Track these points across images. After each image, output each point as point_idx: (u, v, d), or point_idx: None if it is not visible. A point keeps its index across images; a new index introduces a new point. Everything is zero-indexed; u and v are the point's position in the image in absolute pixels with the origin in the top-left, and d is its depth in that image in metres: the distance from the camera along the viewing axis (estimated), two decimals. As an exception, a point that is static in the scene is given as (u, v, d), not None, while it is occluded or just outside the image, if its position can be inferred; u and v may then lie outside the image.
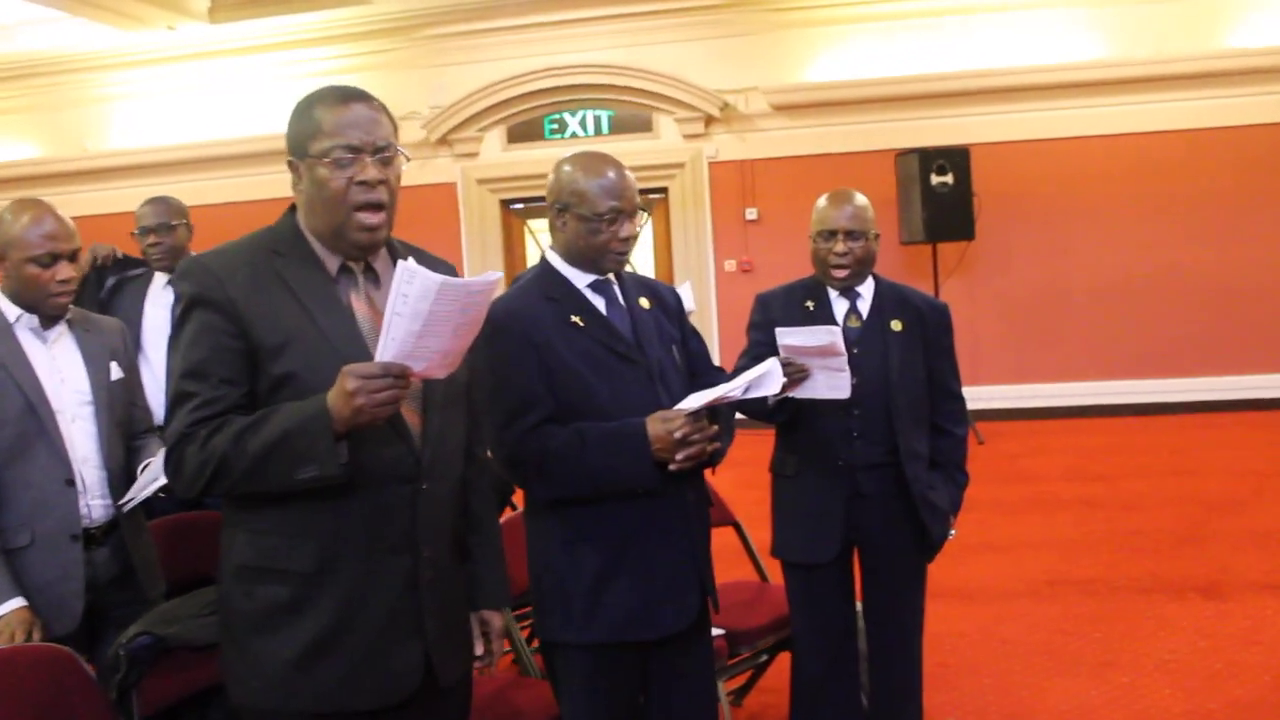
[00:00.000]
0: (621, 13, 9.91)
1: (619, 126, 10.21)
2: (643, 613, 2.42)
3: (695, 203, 10.09)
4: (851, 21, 9.64)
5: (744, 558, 3.93)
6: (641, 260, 10.41)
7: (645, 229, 10.36)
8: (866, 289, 3.14)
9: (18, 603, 2.57)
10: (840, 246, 3.04)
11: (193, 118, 10.67)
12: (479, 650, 2.24)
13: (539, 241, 10.75)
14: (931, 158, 8.80)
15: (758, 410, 2.98)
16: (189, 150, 10.55)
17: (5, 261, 2.71)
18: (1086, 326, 9.52)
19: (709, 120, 9.91)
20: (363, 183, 1.97)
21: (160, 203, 4.20)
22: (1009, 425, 9.15)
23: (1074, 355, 9.55)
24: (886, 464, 3.03)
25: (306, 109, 2.01)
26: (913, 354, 3.09)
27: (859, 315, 3.11)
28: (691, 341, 2.66)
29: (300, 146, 2.00)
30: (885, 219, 9.08)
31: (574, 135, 10.29)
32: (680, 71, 9.80)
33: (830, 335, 2.79)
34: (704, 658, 2.62)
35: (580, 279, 2.51)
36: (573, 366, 2.41)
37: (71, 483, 2.69)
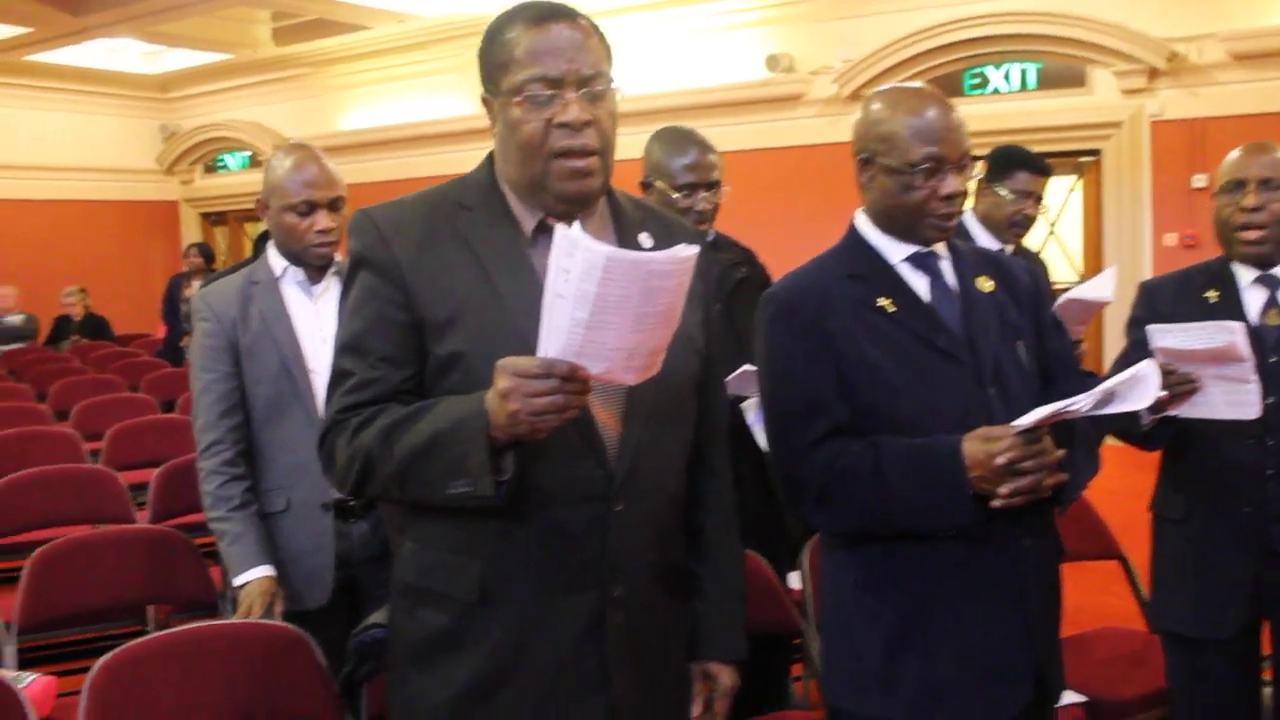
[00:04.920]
0: (1055, -47, 8.87)
1: (1048, 81, 9.20)
2: (949, 694, 1.85)
3: (1132, 167, 8.89)
4: (1340, -52, 8.06)
5: (1124, 598, 3.20)
6: (1067, 231, 9.40)
7: (1074, 196, 9.35)
8: None
9: (262, 571, 2.46)
10: (1251, 199, 2.28)
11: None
12: (696, 711, 1.79)
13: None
14: None
15: (1128, 432, 2.29)
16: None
17: (269, 210, 2.56)
18: None
19: (1153, 73, 8.66)
20: (564, 125, 1.56)
21: None
22: None
23: None
24: None
25: (498, 32, 1.62)
26: None
27: None
28: (1051, 337, 2.01)
29: (492, 80, 1.63)
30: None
31: (996, 91, 9.42)
32: (1121, 17, 8.60)
33: (1227, 334, 2.08)
34: None
35: (895, 251, 1.93)
36: (874, 362, 1.85)
37: None
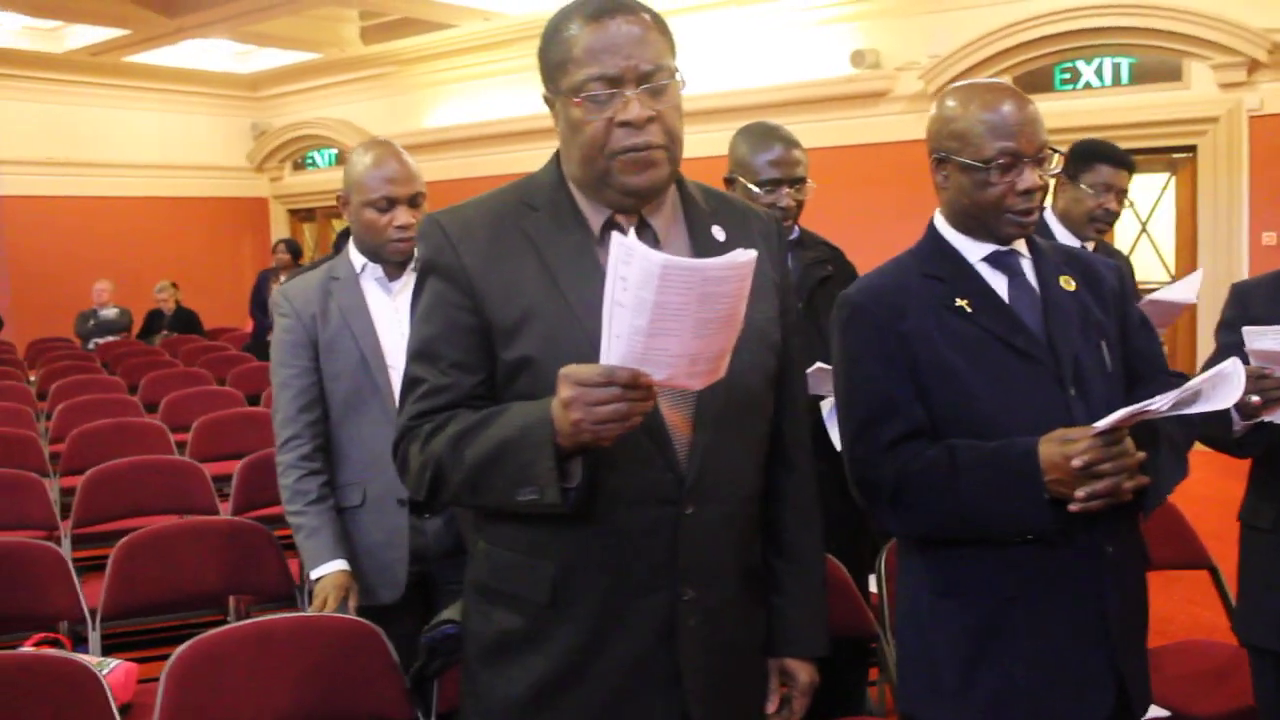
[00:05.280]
0: (1150, -59, 8.62)
1: (1141, 76, 8.94)
2: (1025, 704, 1.79)
3: (1230, 164, 8.60)
4: None
5: (1213, 609, 3.07)
6: (1160, 230, 9.15)
7: (1168, 194, 9.09)
8: None
9: (337, 565, 2.47)
10: None
11: (690, 71, 10.62)
12: (771, 708, 1.76)
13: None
14: None
15: (1220, 438, 2.21)
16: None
17: (349, 205, 2.56)
18: None
19: (1253, 66, 8.36)
20: (626, 124, 1.54)
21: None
22: None
23: None
24: None
25: (556, 30, 1.60)
26: None
27: None
28: (1137, 337, 1.94)
29: (552, 80, 1.61)
30: None
31: (1088, 86, 9.19)
32: (1218, 8, 8.32)
33: None
34: None
35: (974, 250, 1.88)
36: (950, 364, 1.81)
37: None
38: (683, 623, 1.61)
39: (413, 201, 2.52)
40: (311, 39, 13.22)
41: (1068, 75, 9.30)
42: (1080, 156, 3.24)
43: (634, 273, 1.30)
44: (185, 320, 11.22)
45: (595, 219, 1.64)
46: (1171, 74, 8.82)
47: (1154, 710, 2.57)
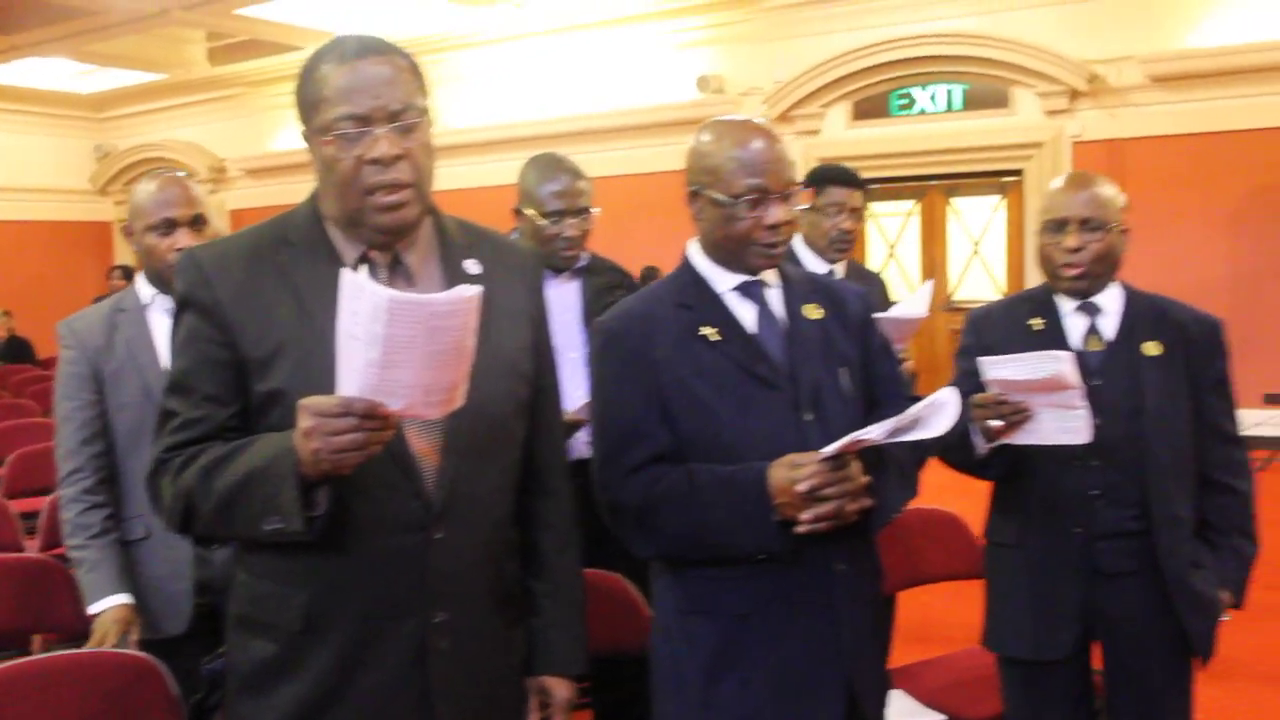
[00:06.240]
0: (978, -24, 9.02)
1: (973, 102, 9.37)
2: (763, 714, 1.88)
3: (1055, 187, 9.02)
4: (1250, -26, 8.22)
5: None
6: (990, 250, 9.53)
7: (998, 215, 9.47)
8: (1112, 301, 2.40)
9: (117, 600, 2.44)
10: (1072, 240, 2.32)
11: (537, 95, 10.76)
12: None
13: (881, 228, 10.06)
14: (1343, 137, 7.39)
15: (965, 462, 2.33)
16: (530, 128, 10.65)
17: (134, 234, 2.56)
18: None
19: (1074, 94, 8.85)
20: (374, 161, 1.58)
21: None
22: None
23: None
24: (1138, 533, 2.31)
25: (310, 70, 1.64)
26: (1174, 386, 2.34)
27: (1100, 336, 2.38)
28: (880, 363, 2.04)
29: (307, 118, 1.64)
30: (1284, 210, 7.85)
31: (923, 112, 9.59)
32: (1043, 39, 8.80)
33: (1055, 363, 2.11)
34: None
35: (724, 280, 1.96)
36: (695, 391, 1.88)
37: None
38: (434, 646, 1.65)
39: (194, 224, 2.52)
40: (157, 59, 12.94)
41: (904, 101, 9.65)
42: (814, 181, 3.35)
43: (364, 308, 1.34)
44: (17, 349, 10.85)
45: (349, 254, 1.68)
46: (1000, 101, 9.24)
47: (932, 715, 2.70)
